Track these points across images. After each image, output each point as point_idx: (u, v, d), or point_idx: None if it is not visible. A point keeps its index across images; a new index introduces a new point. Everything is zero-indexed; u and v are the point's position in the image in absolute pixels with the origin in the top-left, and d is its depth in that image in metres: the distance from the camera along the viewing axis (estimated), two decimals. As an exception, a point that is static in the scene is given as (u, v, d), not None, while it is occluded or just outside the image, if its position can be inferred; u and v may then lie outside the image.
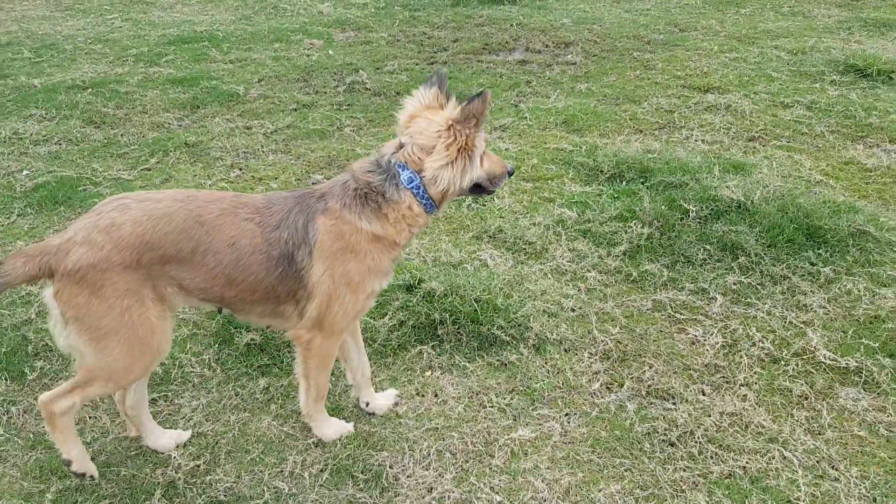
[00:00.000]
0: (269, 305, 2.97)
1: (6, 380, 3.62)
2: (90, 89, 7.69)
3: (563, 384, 3.61)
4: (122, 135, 6.62)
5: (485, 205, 5.23)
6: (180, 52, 9.02)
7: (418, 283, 4.11)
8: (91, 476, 3.01)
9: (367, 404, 3.44)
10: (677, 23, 10.05)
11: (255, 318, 3.08)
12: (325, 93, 7.69)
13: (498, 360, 3.76)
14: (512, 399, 3.53)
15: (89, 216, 2.74)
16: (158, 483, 3.06)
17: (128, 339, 2.73)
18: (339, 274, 2.87)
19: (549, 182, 5.57)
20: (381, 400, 3.47)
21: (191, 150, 6.24)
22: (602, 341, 3.88)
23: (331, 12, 10.97)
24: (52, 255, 2.65)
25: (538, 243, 4.72)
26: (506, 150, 6.08)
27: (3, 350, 3.80)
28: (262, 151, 6.24)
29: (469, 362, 3.75)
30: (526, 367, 3.72)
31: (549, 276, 4.41)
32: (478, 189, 3.03)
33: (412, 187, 2.87)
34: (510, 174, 3.10)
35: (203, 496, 3.01)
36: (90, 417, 3.43)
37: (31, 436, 3.32)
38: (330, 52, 9.10)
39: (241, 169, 5.92)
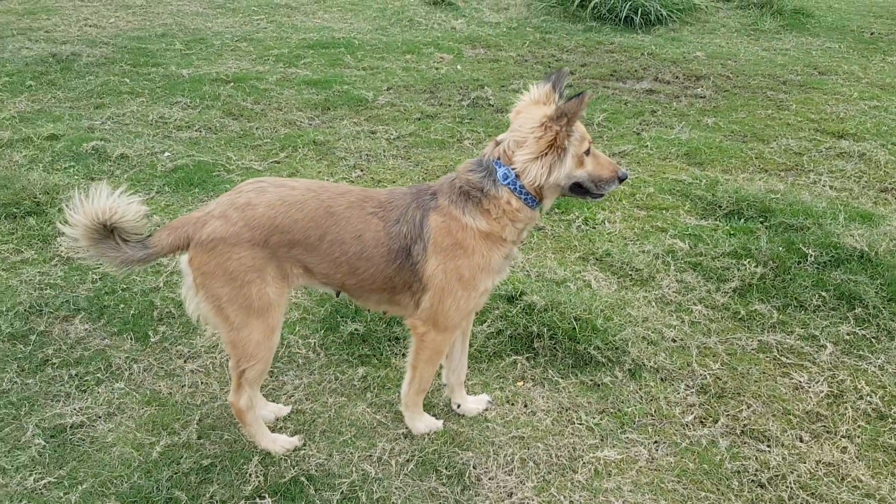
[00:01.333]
0: (385, 294, 3.11)
1: (132, 339, 3.92)
2: (232, 83, 8.15)
3: (655, 412, 3.58)
4: (256, 128, 7.00)
5: (594, 228, 5.24)
6: (318, 55, 9.44)
7: (519, 296, 4.17)
8: (293, 447, 3.25)
9: (459, 406, 3.52)
10: (817, 65, 9.72)
11: (371, 305, 3.23)
12: (450, 105, 7.88)
13: (591, 380, 3.77)
14: (601, 419, 3.53)
15: (230, 194, 2.96)
16: (257, 450, 3.23)
17: (244, 311, 2.92)
18: (450, 269, 2.96)
19: (664, 212, 5.52)
20: (473, 403, 3.54)
21: (318, 148, 6.53)
22: (701, 375, 3.82)
23: (463, 29, 11.21)
24: (191, 225, 2.88)
25: (645, 271, 4.69)
26: (622, 176, 6.05)
27: (132, 313, 4.11)
28: (384, 156, 6.46)
29: (562, 378, 3.77)
30: (619, 390, 3.71)
31: (653, 304, 4.38)
32: (580, 190, 3.01)
33: (507, 182, 2.91)
34: (621, 180, 3.06)
35: (296, 468, 3.16)
36: (202, 383, 3.66)
37: (148, 392, 3.58)
38: (458, 66, 9.30)
39: (362, 170, 6.15)
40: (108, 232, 2.88)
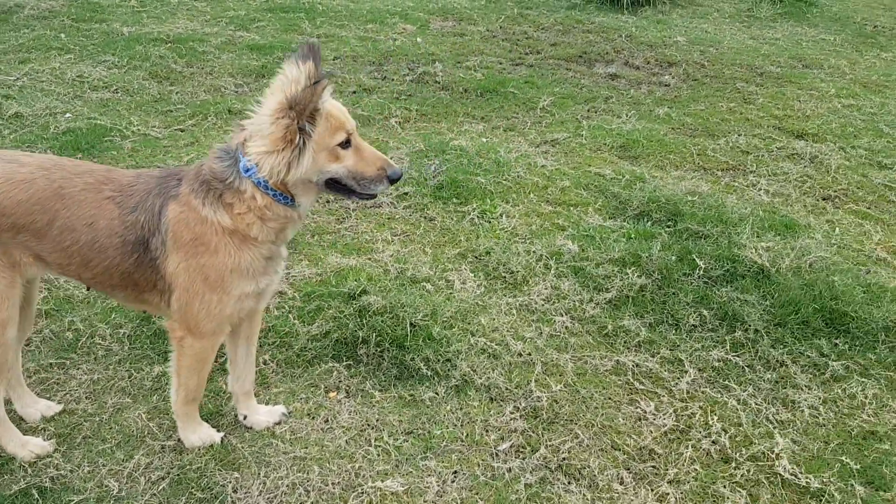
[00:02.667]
0: (130, 292, 2.77)
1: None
2: (170, 44, 7.81)
3: (466, 436, 3.21)
4: (176, 92, 6.67)
5: (489, 222, 4.84)
6: (274, 20, 9.06)
7: (359, 294, 3.80)
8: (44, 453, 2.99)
9: (245, 417, 3.19)
10: (803, 58, 9.11)
11: (122, 302, 2.90)
12: (393, 80, 7.47)
13: (410, 395, 3.41)
14: (404, 442, 3.17)
15: None
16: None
17: None
18: (193, 268, 2.62)
19: (572, 209, 5.10)
20: (263, 416, 3.20)
21: (230, 117, 6.17)
22: (536, 396, 3.44)
23: (440, -1, 10.72)
24: None
25: (520, 274, 4.30)
26: (542, 166, 5.63)
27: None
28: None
29: (379, 391, 3.42)
30: (436, 409, 3.34)
31: (514, 312, 3.99)
32: (340, 187, 2.64)
33: (249, 175, 2.56)
34: (392, 180, 2.67)
35: (31, 477, 2.85)
36: None
37: None
38: (418, 39, 8.86)
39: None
40: None
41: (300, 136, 2.46)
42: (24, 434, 3.01)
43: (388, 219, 4.88)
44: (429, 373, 3.51)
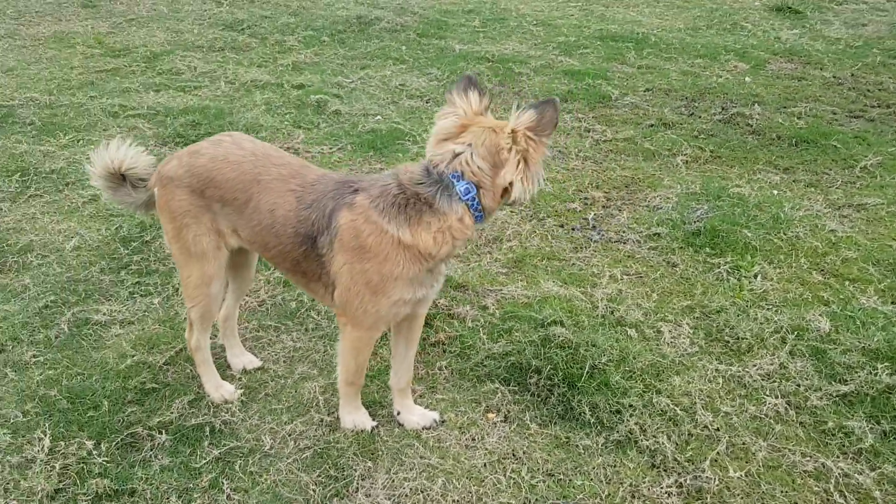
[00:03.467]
0: (300, 278, 3.05)
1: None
2: (491, 63, 8.26)
3: (607, 496, 2.97)
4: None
5: (738, 279, 4.41)
6: (602, 48, 9.13)
7: (549, 324, 3.71)
8: (232, 400, 3.41)
9: (399, 413, 3.30)
10: None
11: (298, 286, 3.20)
12: (699, 118, 7.11)
13: (567, 437, 3.26)
14: (541, 482, 3.04)
15: (206, 140, 3.13)
16: (197, 389, 3.42)
17: (184, 252, 3.08)
18: (357, 271, 2.81)
19: (847, 284, 4.44)
20: (415, 416, 3.29)
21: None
22: (707, 477, 3.07)
23: (791, 40, 9.87)
24: (163, 162, 3.12)
25: (746, 341, 3.86)
26: (830, 230, 4.99)
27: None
28: (575, 155, 6.10)
29: (537, 424, 3.32)
30: (588, 459, 3.14)
31: (720, 380, 3.59)
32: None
33: (468, 199, 2.72)
34: None
35: (210, 416, 3.27)
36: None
37: (169, 313, 3.95)
38: (747, 78, 8.30)
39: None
40: (121, 179, 3.22)
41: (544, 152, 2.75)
42: (222, 379, 3.42)
43: (628, 256, 4.67)
44: (592, 419, 3.29)
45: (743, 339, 3.86)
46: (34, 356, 3.58)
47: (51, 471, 2.91)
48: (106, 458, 3.00)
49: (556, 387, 3.44)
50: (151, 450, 3.09)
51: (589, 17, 10.49)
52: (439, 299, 4.03)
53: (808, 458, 3.16)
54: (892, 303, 4.23)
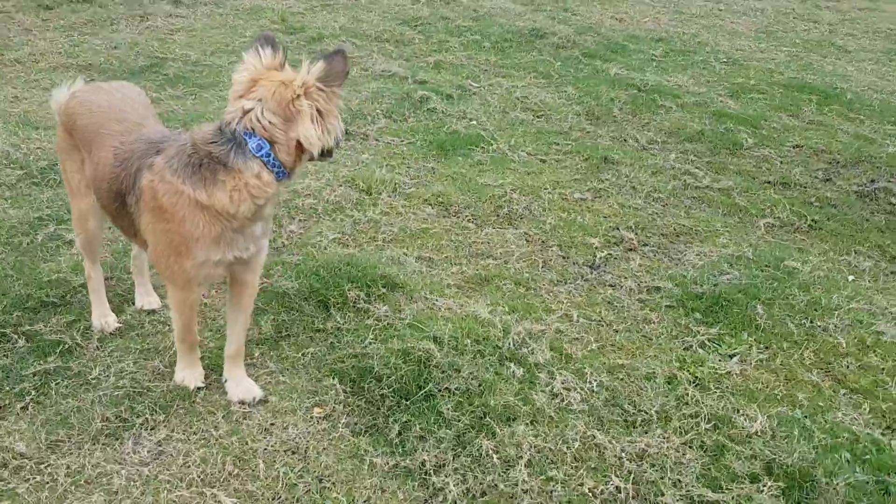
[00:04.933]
0: (126, 231, 3.21)
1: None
2: (631, 90, 7.85)
3: (348, 516, 2.82)
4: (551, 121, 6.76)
5: (708, 354, 3.86)
6: (775, 95, 8.24)
7: (431, 339, 3.55)
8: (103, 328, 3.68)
9: (226, 381, 3.37)
10: None
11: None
12: (832, 184, 6.20)
13: (364, 451, 3.11)
14: (297, 483, 2.96)
15: (94, 84, 3.45)
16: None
17: (67, 186, 3.42)
18: (159, 231, 2.91)
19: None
20: (239, 388, 3.30)
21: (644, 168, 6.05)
22: None
23: None
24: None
25: (652, 417, 3.38)
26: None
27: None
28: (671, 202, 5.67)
29: (349, 431, 3.20)
30: (364, 477, 2.99)
31: (579, 446, 3.20)
32: (327, 152, 2.86)
33: (262, 155, 2.74)
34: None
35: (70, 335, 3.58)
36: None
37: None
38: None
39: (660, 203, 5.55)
40: None
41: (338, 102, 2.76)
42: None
43: (606, 301, 4.28)
44: (396, 439, 3.09)
45: (645, 412, 3.37)
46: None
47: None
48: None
49: (385, 398, 3.27)
50: (4, 347, 3.42)
51: (791, 63, 9.48)
52: (362, 288, 3.97)
53: None
54: (888, 428, 3.44)
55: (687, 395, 3.50)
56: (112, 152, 3.02)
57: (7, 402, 3.15)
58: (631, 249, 4.88)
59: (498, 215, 5.12)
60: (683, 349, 3.88)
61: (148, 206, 2.88)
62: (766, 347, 3.93)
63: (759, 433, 3.23)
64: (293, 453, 3.06)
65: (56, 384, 3.27)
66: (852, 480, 2.96)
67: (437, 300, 4.05)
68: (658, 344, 3.91)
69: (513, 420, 3.26)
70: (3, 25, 7.83)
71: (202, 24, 8.58)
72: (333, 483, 2.93)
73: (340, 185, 5.19)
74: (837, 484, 2.95)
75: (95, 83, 3.47)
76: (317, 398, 3.35)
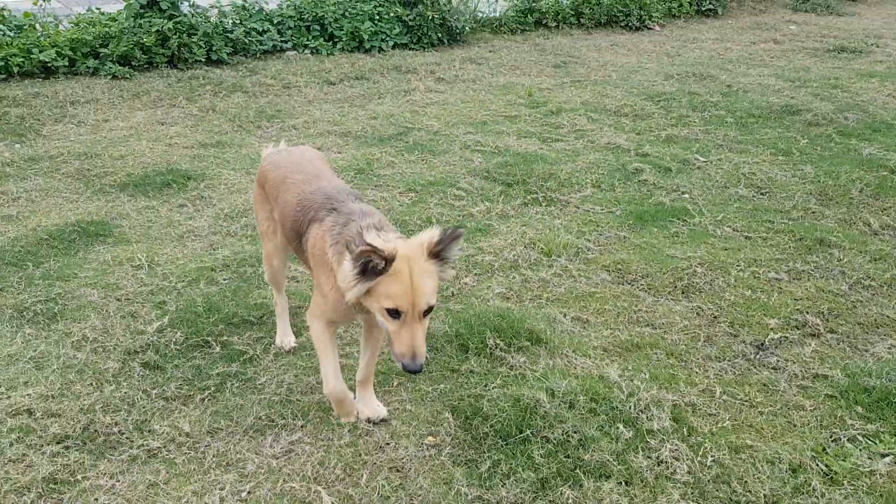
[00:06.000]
0: (306, 265, 3.79)
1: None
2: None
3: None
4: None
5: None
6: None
7: (555, 399, 3.77)
8: (283, 349, 4.31)
9: (357, 401, 3.77)
10: None
11: None
12: None
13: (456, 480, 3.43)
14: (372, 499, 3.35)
15: (280, 148, 4.15)
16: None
17: (259, 228, 4.18)
18: (314, 271, 3.47)
19: None
20: (367, 407, 3.71)
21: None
22: None
23: None
24: None
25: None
26: None
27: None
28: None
29: (450, 462, 3.54)
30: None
31: None
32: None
33: None
34: (405, 367, 3.01)
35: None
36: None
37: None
38: None
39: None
40: None
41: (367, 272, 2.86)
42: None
43: (759, 385, 4.12)
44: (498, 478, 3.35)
45: (751, 494, 3.25)
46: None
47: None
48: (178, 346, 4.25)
49: (488, 436, 3.53)
50: (204, 351, 4.24)
51: None
52: (504, 339, 4.27)
53: None
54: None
55: (808, 485, 3.28)
56: (295, 198, 3.52)
57: (192, 393, 3.89)
58: (813, 335, 4.58)
59: (675, 287, 5.08)
60: (828, 440, 3.60)
61: (311, 252, 3.44)
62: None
63: None
64: (397, 471, 3.40)
65: (231, 384, 3.97)
66: None
67: (576, 359, 4.20)
68: (801, 432, 3.67)
69: (605, 478, 3.30)
70: (293, 97, 9.38)
71: (455, 98, 9.49)
72: (421, 502, 3.21)
73: (523, 246, 5.50)
74: None
75: (283, 147, 4.20)
76: (432, 428, 3.67)
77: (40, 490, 3.22)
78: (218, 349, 4.24)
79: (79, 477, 3.31)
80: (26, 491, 3.20)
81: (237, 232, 5.71)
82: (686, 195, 6.66)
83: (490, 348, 4.21)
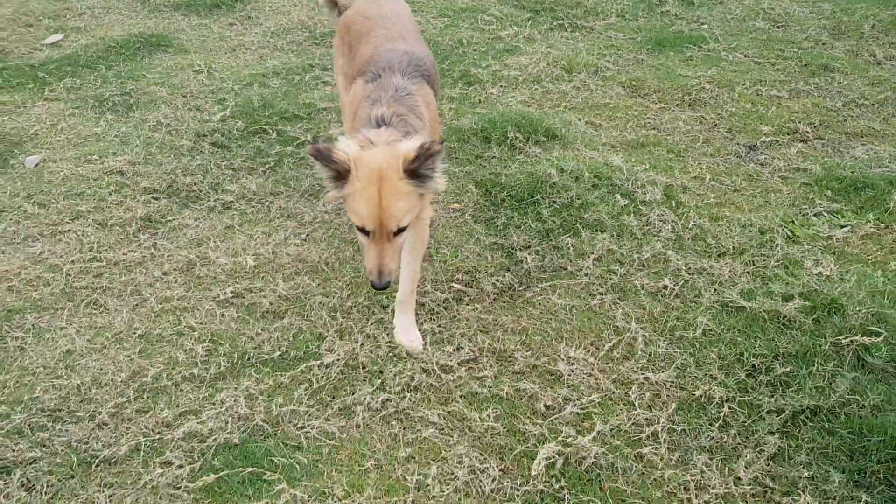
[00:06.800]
0: None
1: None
2: None
3: (444, 264, 3.86)
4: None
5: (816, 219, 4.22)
6: None
7: (589, 183, 4.39)
8: None
9: (395, 326, 3.29)
10: None
11: None
12: None
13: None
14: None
15: None
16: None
17: (335, 65, 4.31)
18: None
19: None
20: (402, 332, 3.25)
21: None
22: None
23: None
24: None
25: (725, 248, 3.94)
26: None
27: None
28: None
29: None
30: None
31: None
32: None
33: None
34: (371, 283, 2.86)
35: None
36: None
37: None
38: None
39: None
40: (334, 4, 4.26)
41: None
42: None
43: (748, 175, 4.69)
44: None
45: (723, 246, 3.91)
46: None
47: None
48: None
49: (504, 201, 4.20)
50: (263, 136, 4.88)
51: None
52: (524, 134, 4.84)
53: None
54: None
55: (773, 241, 3.91)
56: (369, 53, 3.32)
57: (255, 166, 4.59)
58: (801, 140, 5.12)
59: (683, 100, 5.59)
60: (797, 214, 4.21)
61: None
62: (886, 227, 4.10)
63: (823, 276, 3.57)
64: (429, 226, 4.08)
65: (287, 161, 4.65)
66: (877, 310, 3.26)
67: (586, 151, 4.80)
68: (775, 208, 4.28)
69: (600, 231, 3.98)
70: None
71: None
72: (447, 246, 3.92)
73: (546, 64, 6.00)
74: (859, 311, 3.28)
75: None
76: (457, 197, 4.34)
77: (139, 225, 3.96)
78: (274, 135, 4.89)
79: (169, 218, 4.05)
80: (128, 225, 3.95)
81: (284, 47, 6.25)
82: (705, 25, 7.02)
83: (510, 140, 4.80)
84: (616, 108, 5.44)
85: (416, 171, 2.57)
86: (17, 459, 2.66)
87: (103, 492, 2.57)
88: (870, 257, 3.83)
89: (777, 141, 5.05)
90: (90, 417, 2.85)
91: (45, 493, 2.56)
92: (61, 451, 2.71)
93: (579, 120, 5.23)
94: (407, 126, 2.81)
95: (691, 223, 4.07)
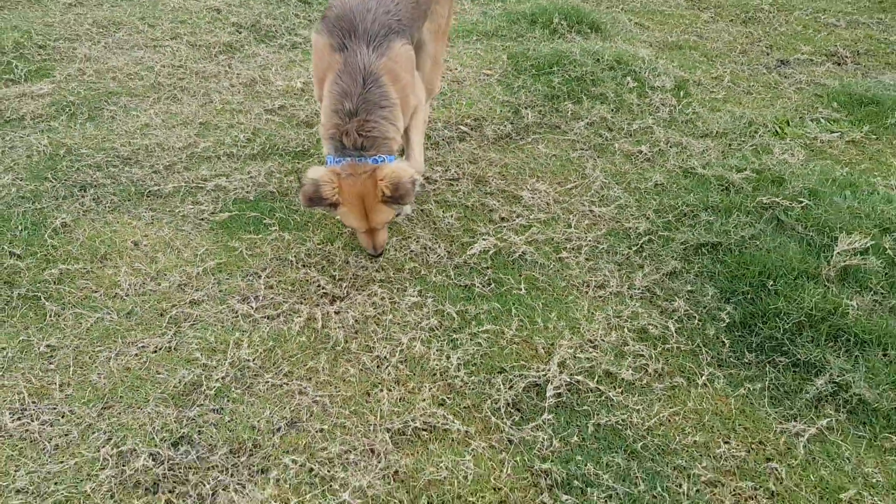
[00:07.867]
0: None
1: None
2: None
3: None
4: None
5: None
6: None
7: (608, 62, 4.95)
8: None
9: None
10: None
11: None
12: None
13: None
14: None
15: None
16: None
17: None
18: None
19: None
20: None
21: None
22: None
23: None
24: None
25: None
26: None
27: None
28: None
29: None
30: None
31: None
32: None
33: None
34: (369, 254, 3.29)
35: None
36: None
37: None
38: None
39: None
40: None
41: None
42: None
43: (773, 87, 5.07)
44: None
45: (708, 130, 4.39)
46: None
47: None
48: None
49: (525, 67, 4.81)
50: None
51: None
52: (569, 21, 5.40)
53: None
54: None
55: (756, 132, 4.33)
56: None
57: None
58: (836, 63, 5.39)
59: (738, 17, 5.92)
60: (794, 116, 4.60)
61: None
62: (876, 138, 4.43)
63: (785, 162, 3.99)
64: (457, 83, 4.75)
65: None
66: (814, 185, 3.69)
67: (622, 45, 5.28)
68: (775, 109, 4.67)
69: (601, 102, 4.53)
70: None
71: None
72: (467, 98, 4.58)
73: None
74: (795, 185, 3.72)
75: None
76: (490, 65, 4.97)
77: (221, 49, 4.83)
78: (351, -1, 5.63)
79: (246, 48, 4.90)
80: (213, 47, 4.83)
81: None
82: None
83: (554, 25, 5.35)
84: (670, 16, 5.84)
85: (391, 200, 2.94)
86: (93, 182, 3.60)
87: (148, 213, 3.46)
88: (844, 157, 4.19)
89: (812, 60, 5.33)
90: (150, 166, 3.74)
91: (108, 207, 3.47)
92: (125, 182, 3.62)
93: (630, 20, 5.68)
94: (379, 149, 2.98)
95: (690, 110, 4.52)
